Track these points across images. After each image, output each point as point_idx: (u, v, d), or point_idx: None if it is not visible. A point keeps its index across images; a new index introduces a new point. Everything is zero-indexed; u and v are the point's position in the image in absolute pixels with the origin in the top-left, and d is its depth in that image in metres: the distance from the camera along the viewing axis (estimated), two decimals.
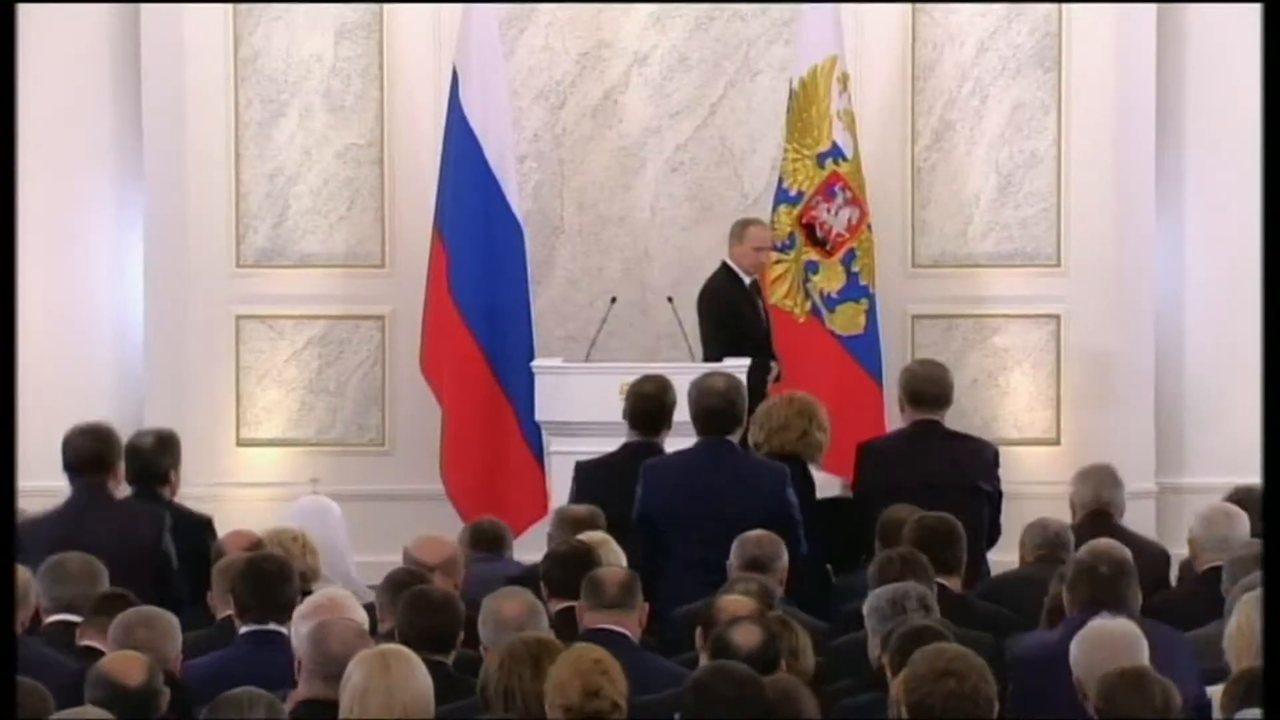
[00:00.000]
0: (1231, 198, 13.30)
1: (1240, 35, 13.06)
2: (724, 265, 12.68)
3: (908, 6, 13.52)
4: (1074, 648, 7.45)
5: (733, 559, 9.05)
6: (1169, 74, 13.46)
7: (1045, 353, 13.23)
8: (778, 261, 12.96)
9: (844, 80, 13.00)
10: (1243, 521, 9.63)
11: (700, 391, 9.53)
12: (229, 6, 13.50)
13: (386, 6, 13.54)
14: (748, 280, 12.66)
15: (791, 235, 12.98)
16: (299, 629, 7.58)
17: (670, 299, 12.83)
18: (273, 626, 8.07)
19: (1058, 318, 13.09)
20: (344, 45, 13.56)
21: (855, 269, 12.92)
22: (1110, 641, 7.53)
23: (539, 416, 11.64)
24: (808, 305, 12.92)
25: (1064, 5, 13.43)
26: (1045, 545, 9.98)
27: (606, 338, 12.22)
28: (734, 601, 7.89)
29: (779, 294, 13.03)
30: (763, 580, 8.41)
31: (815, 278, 12.94)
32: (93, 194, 13.66)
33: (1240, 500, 9.99)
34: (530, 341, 12.67)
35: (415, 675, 6.84)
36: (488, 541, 9.94)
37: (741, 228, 12.78)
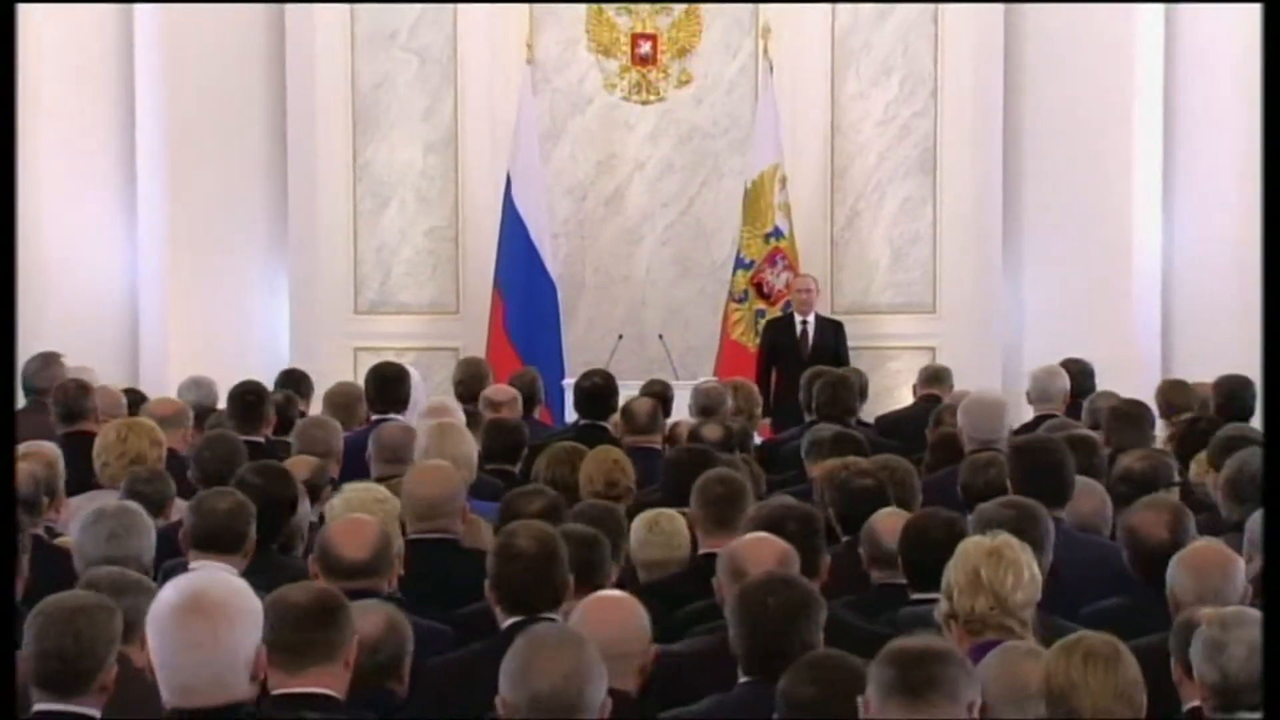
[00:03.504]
0: (1059, 263, 13.40)
1: (1062, 149, 13.29)
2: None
3: (828, 130, 13.42)
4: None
5: (691, 404, 9.44)
6: (1012, 175, 13.46)
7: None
8: (735, 310, 13.04)
9: (783, 181, 13.03)
10: (1062, 377, 9.64)
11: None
12: (349, 127, 13.45)
13: (460, 131, 13.47)
14: (798, 319, 12.55)
15: (746, 291, 13.04)
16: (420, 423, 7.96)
17: (660, 336, 12.98)
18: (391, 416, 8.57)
19: (933, 349, 13.05)
20: (430, 156, 13.56)
21: None
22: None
23: (568, 419, 11.49)
24: (756, 340, 12.85)
25: (937, 128, 13.40)
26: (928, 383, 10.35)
27: (615, 363, 11.96)
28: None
29: (738, 333, 13.02)
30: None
31: (763, 321, 12.90)
32: (250, 261, 13.62)
33: (1076, 362, 10.16)
34: (562, 365, 12.63)
35: (462, 442, 7.21)
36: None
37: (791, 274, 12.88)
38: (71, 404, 8.48)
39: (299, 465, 7.09)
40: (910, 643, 3.98)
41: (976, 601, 4.73)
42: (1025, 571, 4.79)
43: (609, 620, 4.63)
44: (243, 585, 4.18)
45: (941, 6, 13.39)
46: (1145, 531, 5.71)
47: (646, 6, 13.57)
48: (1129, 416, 8.30)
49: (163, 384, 11.23)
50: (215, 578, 4.28)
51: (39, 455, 6.85)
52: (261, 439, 8.42)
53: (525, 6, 13.42)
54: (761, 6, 13.46)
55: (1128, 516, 5.94)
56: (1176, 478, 7.21)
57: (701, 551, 6.13)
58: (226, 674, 3.98)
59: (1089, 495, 6.53)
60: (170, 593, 4.07)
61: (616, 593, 4.92)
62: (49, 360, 9.63)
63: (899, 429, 9.68)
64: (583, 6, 13.56)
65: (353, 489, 6.31)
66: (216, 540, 5.76)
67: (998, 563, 4.76)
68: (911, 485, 6.76)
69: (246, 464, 6.75)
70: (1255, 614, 4.49)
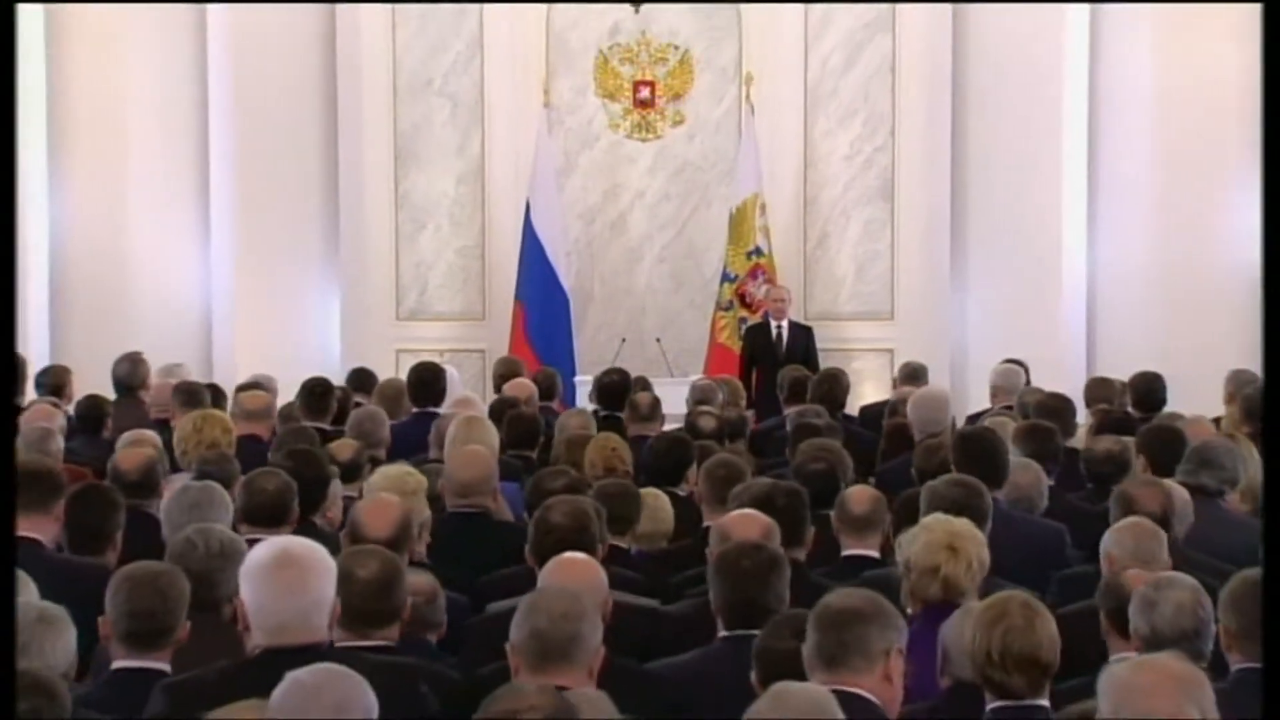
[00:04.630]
0: (999, 277, 13.36)
1: (1002, 179, 13.25)
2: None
3: (801, 163, 13.39)
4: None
5: (688, 399, 9.34)
6: (959, 202, 13.40)
7: (883, 371, 13.16)
8: (722, 317, 13.03)
9: (763, 207, 13.02)
10: (1020, 373, 9.83)
11: None
12: (392, 161, 13.45)
13: (487, 165, 13.43)
14: (774, 323, 12.50)
15: (731, 301, 13.00)
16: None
17: (658, 339, 12.94)
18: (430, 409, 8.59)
19: (891, 351, 13.09)
20: (461, 186, 13.55)
21: None
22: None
23: None
24: (740, 343, 12.77)
25: (895, 162, 13.35)
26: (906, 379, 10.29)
27: (619, 363, 11.35)
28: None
29: (724, 336, 12.96)
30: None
31: (745, 327, 12.85)
32: (307, 275, 13.57)
33: (1015, 362, 10.19)
34: (573, 365, 12.60)
35: (485, 432, 7.24)
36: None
37: (769, 287, 12.82)
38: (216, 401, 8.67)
39: (342, 449, 7.13)
40: (832, 604, 3.98)
41: (932, 587, 4.77)
42: (975, 561, 4.82)
43: (568, 577, 4.58)
44: (320, 546, 4.24)
45: (898, 59, 13.38)
46: (1142, 503, 5.77)
47: (645, 57, 13.55)
48: (1053, 409, 8.31)
49: (233, 381, 11.15)
50: (298, 539, 4.37)
51: (150, 441, 6.91)
52: (326, 425, 8.49)
53: (542, 58, 13.45)
54: (744, 58, 13.45)
55: (1127, 489, 5.98)
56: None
57: (705, 524, 6.16)
58: (312, 617, 4.07)
59: (1024, 471, 6.58)
60: (262, 551, 4.17)
61: (577, 555, 4.86)
62: (136, 361, 9.82)
63: (878, 420, 9.61)
64: (591, 58, 13.56)
65: (387, 470, 6.35)
66: (265, 514, 5.73)
67: (955, 559, 4.79)
68: (868, 465, 6.80)
69: (284, 450, 6.72)
70: (1185, 578, 4.52)
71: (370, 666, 3.71)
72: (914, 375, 10.50)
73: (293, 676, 3.50)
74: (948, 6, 13.28)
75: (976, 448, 6.50)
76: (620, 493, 6.02)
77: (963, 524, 4.92)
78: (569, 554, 4.84)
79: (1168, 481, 6.15)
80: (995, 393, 9.79)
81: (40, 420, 7.97)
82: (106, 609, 4.38)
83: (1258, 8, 12.51)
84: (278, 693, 3.47)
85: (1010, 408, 9.08)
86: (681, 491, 6.90)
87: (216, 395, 9.16)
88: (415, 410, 8.81)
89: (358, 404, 9.18)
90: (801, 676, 3.89)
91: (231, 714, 3.41)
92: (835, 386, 9.61)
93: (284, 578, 4.07)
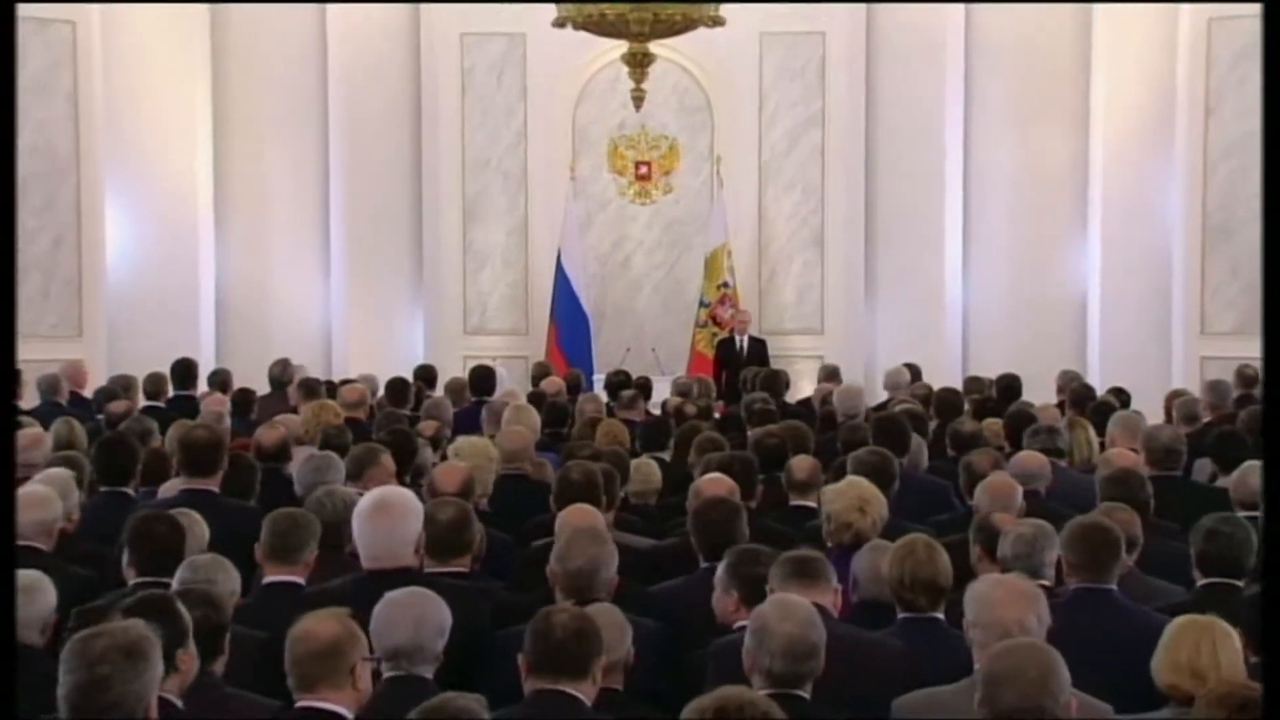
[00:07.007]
0: (900, 304, 13.25)
1: (903, 233, 13.16)
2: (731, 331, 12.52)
3: (757, 220, 13.25)
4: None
5: (672, 391, 9.18)
6: (870, 250, 13.24)
7: (816, 373, 12.23)
8: (699, 332, 12.88)
9: (729, 252, 12.92)
10: (905, 374, 9.62)
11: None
12: (461, 218, 13.26)
13: (530, 222, 13.21)
14: (738, 337, 12.42)
15: (706, 320, 12.86)
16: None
17: (653, 349, 12.93)
18: (484, 399, 8.58)
19: (821, 357, 12.50)
20: (510, 237, 13.36)
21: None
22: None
23: None
24: (713, 352, 12.68)
25: (824, 220, 13.22)
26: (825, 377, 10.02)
27: (624, 365, 11.64)
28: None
29: (701, 346, 12.81)
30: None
31: (717, 340, 12.70)
32: (400, 301, 13.33)
33: (909, 365, 10.06)
34: (592, 367, 12.42)
35: (530, 416, 7.19)
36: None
37: (737, 310, 12.70)
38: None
39: (429, 427, 7.16)
40: (798, 554, 4.04)
41: (845, 535, 4.74)
42: (878, 518, 4.78)
43: (581, 519, 4.62)
44: (409, 493, 4.26)
45: (826, 146, 13.29)
46: (977, 465, 5.77)
47: (644, 144, 13.47)
48: (947, 399, 8.33)
49: (346, 377, 11.22)
50: (394, 489, 4.40)
51: (286, 423, 6.92)
52: (407, 412, 8.44)
53: (569, 144, 13.36)
54: (715, 144, 13.37)
55: (969, 456, 5.94)
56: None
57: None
58: (399, 547, 4.07)
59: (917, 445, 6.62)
60: (366, 499, 4.25)
61: (584, 505, 4.83)
62: (286, 364, 9.80)
63: (813, 408, 9.55)
64: (604, 145, 13.45)
65: (466, 439, 6.35)
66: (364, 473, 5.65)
67: (864, 517, 4.76)
68: (808, 440, 6.75)
69: (384, 430, 6.75)
70: (1033, 522, 4.46)
71: (446, 589, 3.72)
72: (831, 373, 10.41)
73: (388, 596, 3.52)
74: (862, 109, 13.28)
75: (889, 427, 6.55)
76: (615, 459, 6.01)
77: (871, 490, 4.87)
78: (577, 505, 4.85)
79: (1025, 452, 6.16)
80: (886, 387, 9.81)
81: (214, 406, 8.18)
82: (261, 538, 4.35)
83: (1085, 105, 12.88)
84: (377, 609, 3.46)
85: (891, 400, 8.98)
86: (666, 456, 6.90)
87: (332, 389, 9.14)
88: (473, 399, 8.84)
89: (427, 395, 9.18)
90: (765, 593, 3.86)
91: (317, 617, 3.30)
92: (775, 381, 9.60)
93: (378, 518, 4.08)
